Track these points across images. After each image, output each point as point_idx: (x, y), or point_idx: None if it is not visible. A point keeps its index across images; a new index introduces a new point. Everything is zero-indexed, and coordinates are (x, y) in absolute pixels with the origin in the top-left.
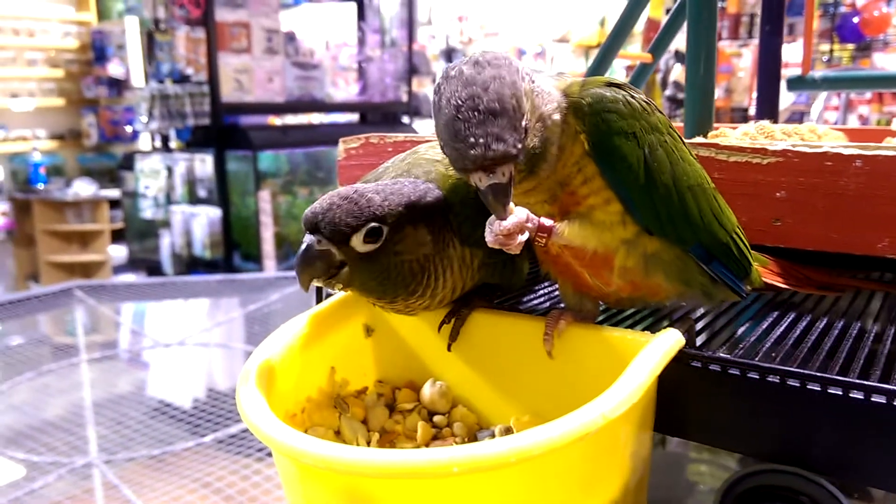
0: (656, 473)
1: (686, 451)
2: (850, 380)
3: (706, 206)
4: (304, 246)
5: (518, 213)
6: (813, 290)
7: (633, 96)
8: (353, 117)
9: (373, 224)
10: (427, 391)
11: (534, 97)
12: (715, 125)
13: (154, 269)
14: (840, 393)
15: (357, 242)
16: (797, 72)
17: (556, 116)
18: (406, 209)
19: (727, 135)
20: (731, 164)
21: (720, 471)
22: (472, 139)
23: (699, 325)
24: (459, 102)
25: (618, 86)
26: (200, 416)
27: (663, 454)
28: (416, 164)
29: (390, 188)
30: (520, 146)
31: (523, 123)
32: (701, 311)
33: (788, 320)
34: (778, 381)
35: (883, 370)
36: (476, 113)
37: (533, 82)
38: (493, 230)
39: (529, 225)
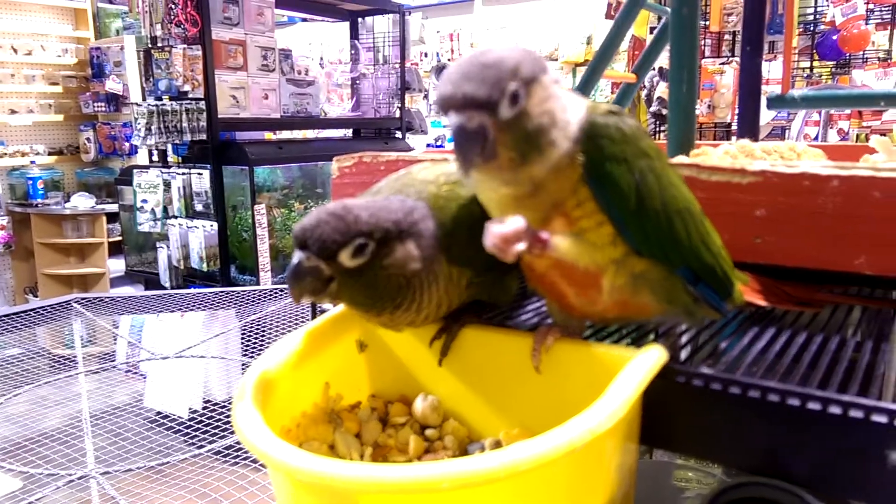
0: (643, 481)
1: (672, 459)
2: (829, 395)
3: (694, 230)
4: (294, 262)
5: (516, 221)
6: (793, 307)
7: (625, 122)
8: (347, 133)
9: (360, 240)
10: (419, 405)
11: (551, 93)
12: (697, 143)
13: (152, 281)
14: (819, 408)
15: (345, 258)
16: (778, 89)
17: (574, 129)
18: (394, 225)
19: (709, 153)
20: (712, 184)
21: (707, 477)
22: (450, 83)
23: (683, 340)
24: (462, 59)
25: (611, 112)
26: (197, 428)
27: (650, 463)
28: (409, 185)
29: (378, 204)
30: (495, 98)
31: (512, 86)
32: (685, 325)
33: (770, 334)
34: (759, 395)
35: (861, 384)
36: (468, 63)
37: (556, 83)
38: (492, 233)
39: (526, 234)
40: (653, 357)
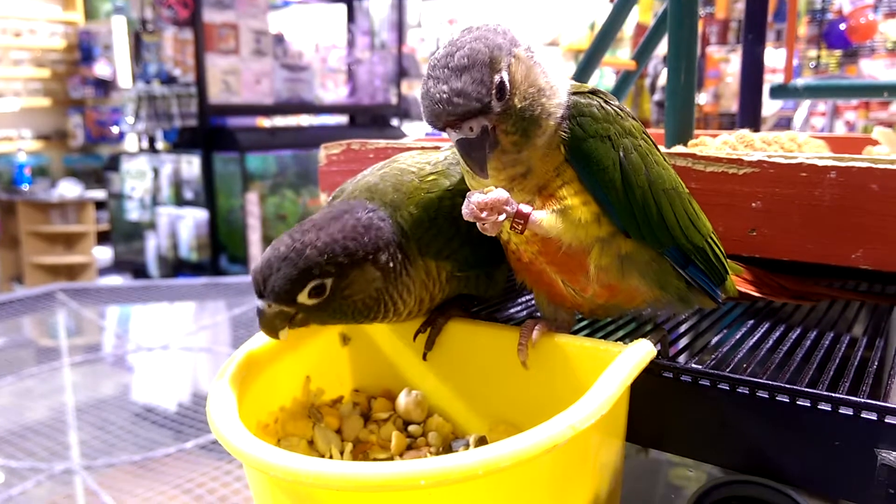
0: (639, 480)
1: (670, 457)
2: (818, 391)
3: (681, 210)
4: (257, 310)
5: (499, 192)
6: (788, 299)
7: (607, 102)
8: (343, 119)
9: (314, 283)
10: (402, 400)
11: (530, 64)
12: (696, 133)
13: (139, 271)
14: (808, 404)
15: (304, 299)
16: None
17: (562, 96)
18: (347, 256)
19: (707, 144)
20: (707, 175)
21: (706, 476)
22: (437, 96)
23: (674, 335)
24: (434, 62)
25: (593, 93)
26: (183, 422)
27: (647, 461)
28: (388, 176)
29: (329, 235)
30: (487, 101)
31: (497, 78)
32: (676, 321)
33: (763, 329)
34: (747, 392)
35: (852, 381)
36: (445, 70)
37: (532, 52)
38: (471, 201)
39: (508, 208)
40: (640, 352)
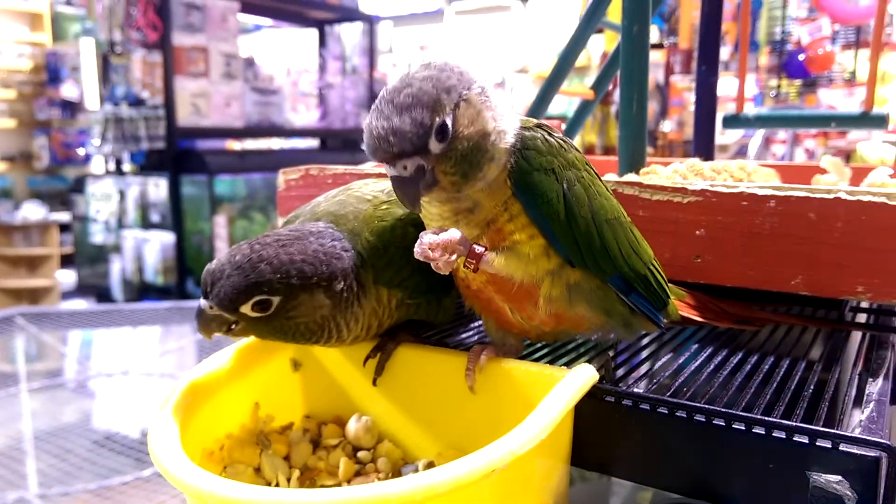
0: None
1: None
2: (752, 416)
3: (623, 239)
4: (197, 308)
5: (451, 233)
6: (730, 324)
7: (550, 135)
8: (314, 143)
9: (259, 297)
10: (352, 426)
11: (480, 108)
12: (649, 161)
13: (104, 295)
14: (743, 428)
15: (247, 310)
16: (747, 107)
17: (509, 139)
18: (300, 279)
19: (658, 172)
20: (654, 203)
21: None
22: (376, 131)
23: (619, 360)
24: (382, 96)
25: (538, 126)
26: (143, 449)
27: (607, 484)
28: (347, 203)
29: (288, 253)
30: (423, 142)
31: (438, 121)
32: (622, 346)
33: (705, 355)
34: (685, 416)
35: (787, 405)
36: (390, 105)
37: (486, 96)
38: (423, 241)
39: (461, 248)
40: (582, 377)
